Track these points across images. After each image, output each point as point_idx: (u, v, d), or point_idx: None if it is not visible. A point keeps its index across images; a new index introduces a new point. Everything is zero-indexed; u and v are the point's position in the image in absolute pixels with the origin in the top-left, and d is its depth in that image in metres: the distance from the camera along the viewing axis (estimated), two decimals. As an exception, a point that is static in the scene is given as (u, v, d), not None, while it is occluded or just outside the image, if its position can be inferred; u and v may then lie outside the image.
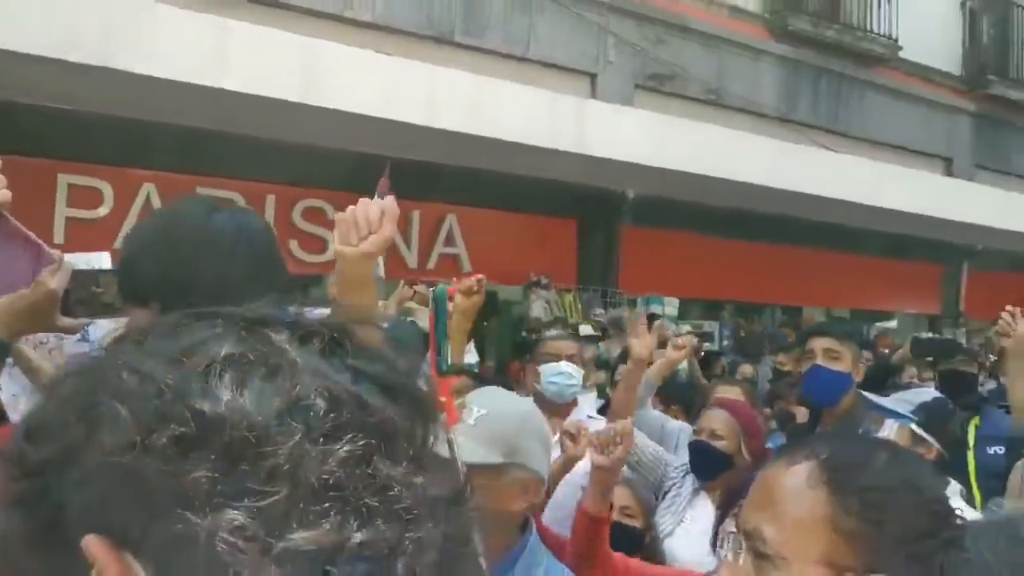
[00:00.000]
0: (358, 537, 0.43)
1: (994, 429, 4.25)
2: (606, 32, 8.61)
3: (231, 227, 1.45)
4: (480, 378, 3.77)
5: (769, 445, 3.30)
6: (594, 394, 4.99)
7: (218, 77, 5.30)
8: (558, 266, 8.17)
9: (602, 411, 3.83)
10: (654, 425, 3.61)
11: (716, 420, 3.03)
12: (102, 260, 1.90)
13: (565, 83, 8.09)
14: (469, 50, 7.74)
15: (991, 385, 5.88)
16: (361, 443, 0.45)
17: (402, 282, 6.49)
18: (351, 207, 1.53)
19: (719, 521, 2.83)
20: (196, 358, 0.47)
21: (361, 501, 0.44)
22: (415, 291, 6.13)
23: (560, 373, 3.37)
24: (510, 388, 5.04)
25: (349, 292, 1.53)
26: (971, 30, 12.17)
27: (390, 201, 1.54)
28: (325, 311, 1.61)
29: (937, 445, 2.63)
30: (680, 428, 3.73)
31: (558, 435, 3.28)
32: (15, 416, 2.00)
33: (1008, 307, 3.19)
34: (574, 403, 3.53)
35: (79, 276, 1.67)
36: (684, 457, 3.16)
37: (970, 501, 3.34)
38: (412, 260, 7.47)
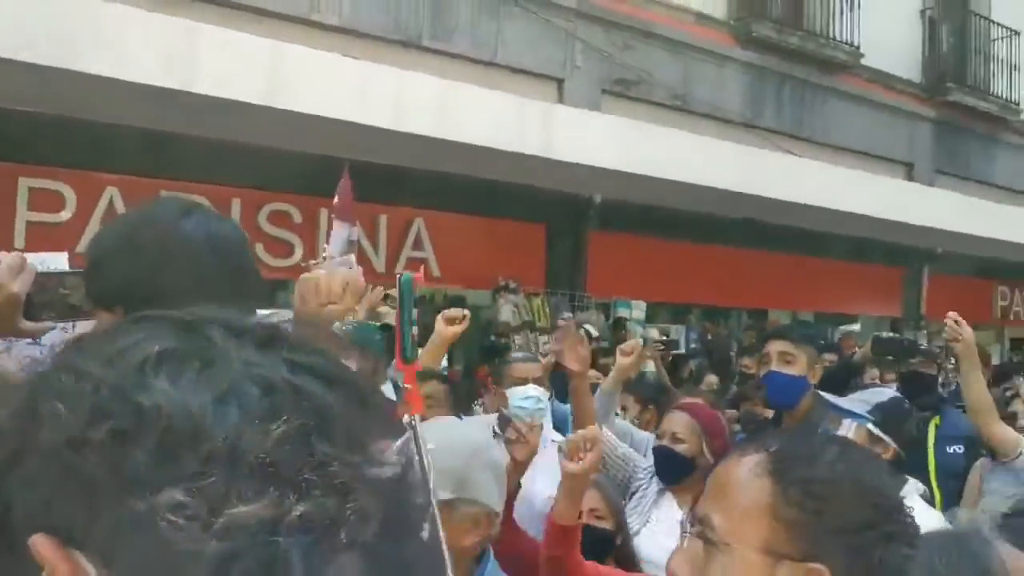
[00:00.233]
0: (298, 509, 0.44)
1: (953, 429, 4.34)
2: (573, 38, 8.66)
3: (201, 233, 1.43)
4: (448, 382, 3.78)
5: (735, 446, 3.32)
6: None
7: (183, 79, 5.25)
8: (526, 270, 8.19)
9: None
10: (623, 436, 3.64)
11: (677, 423, 3.06)
12: (59, 261, 1.87)
13: (532, 88, 8.12)
14: (436, 54, 7.74)
15: (952, 386, 6.00)
16: (297, 424, 0.46)
17: (371, 286, 6.50)
18: (317, 272, 1.55)
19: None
20: (132, 355, 0.48)
21: (300, 477, 0.45)
22: (387, 294, 6.13)
23: (528, 397, 3.37)
24: (477, 392, 5.05)
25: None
26: (931, 38, 12.40)
27: (355, 274, 1.54)
28: (288, 314, 1.61)
29: (894, 444, 2.68)
30: (648, 439, 3.75)
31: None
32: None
33: (951, 314, 3.26)
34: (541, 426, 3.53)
35: (42, 279, 1.65)
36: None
37: (930, 500, 3.41)
38: (380, 264, 7.45)
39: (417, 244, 7.74)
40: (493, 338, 7.50)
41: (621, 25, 9.03)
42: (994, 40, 13.05)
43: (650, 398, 4.85)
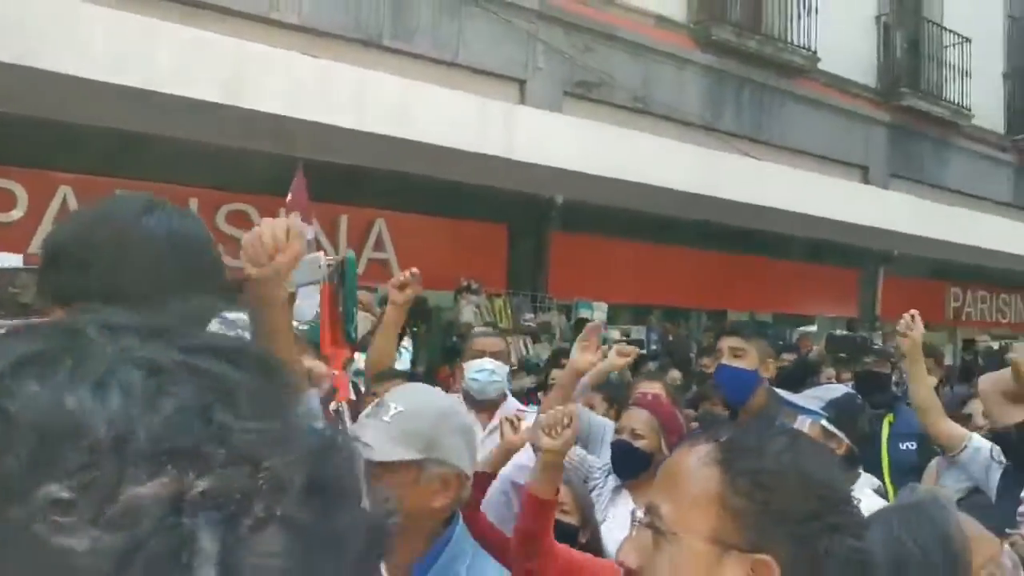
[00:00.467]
0: (200, 485, 0.40)
1: (906, 426, 4.42)
2: (535, 39, 8.69)
3: (162, 231, 1.40)
4: (412, 380, 3.77)
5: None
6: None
7: (141, 77, 5.18)
8: (488, 271, 8.19)
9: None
10: (581, 419, 3.65)
11: (636, 419, 3.09)
12: (14, 260, 1.84)
13: (494, 89, 8.13)
14: (397, 54, 7.72)
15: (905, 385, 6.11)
16: (191, 398, 0.43)
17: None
18: (255, 228, 1.55)
19: None
20: None
21: (199, 451, 0.41)
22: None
23: (482, 370, 3.39)
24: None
25: (261, 312, 1.53)
26: (885, 44, 12.62)
27: (295, 219, 1.55)
28: (242, 315, 1.59)
29: (847, 440, 2.73)
30: (604, 423, 3.79)
31: (487, 431, 3.30)
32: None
33: (912, 311, 3.34)
34: (503, 399, 3.55)
35: None
36: (607, 456, 3.22)
37: (884, 496, 3.47)
38: (340, 265, 7.40)
39: (378, 245, 7.71)
40: (455, 339, 7.48)
41: (582, 27, 9.07)
42: (946, 47, 13.32)
43: (615, 397, 4.91)
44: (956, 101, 13.37)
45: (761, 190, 8.54)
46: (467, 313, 7.66)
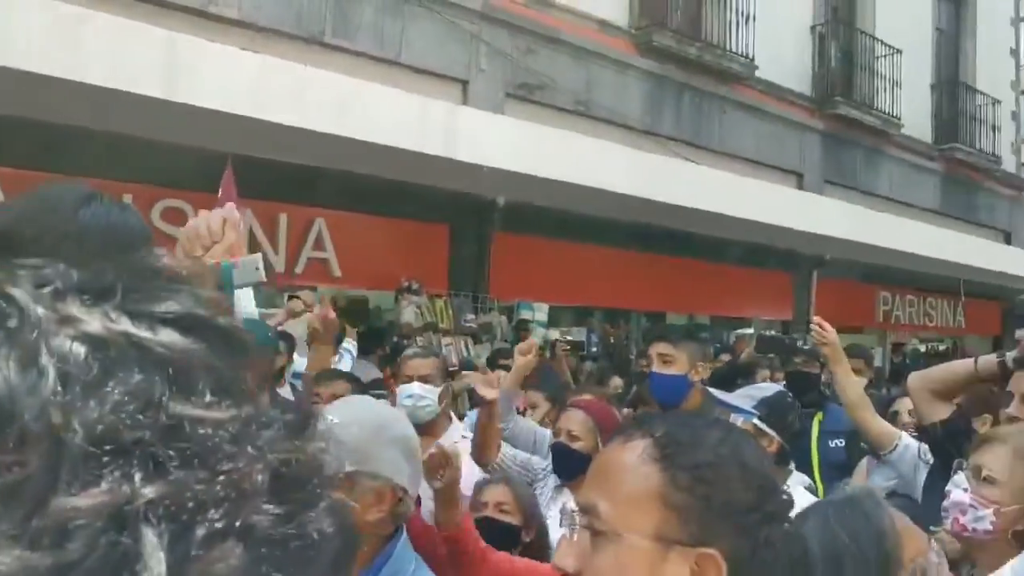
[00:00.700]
0: (147, 492, 0.34)
1: (835, 424, 4.54)
2: (478, 40, 8.69)
3: (100, 224, 1.38)
4: (354, 382, 3.74)
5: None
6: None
7: (74, 69, 5.03)
8: (429, 271, 8.17)
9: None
10: (527, 433, 3.68)
11: (573, 421, 3.12)
12: None
13: (437, 89, 8.11)
14: (339, 52, 7.66)
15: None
16: (140, 381, 0.36)
17: (287, 295, 6.38)
18: (191, 220, 1.54)
19: None
20: None
21: (147, 449, 0.35)
22: (299, 299, 6.06)
23: (410, 395, 3.37)
24: (381, 394, 5.01)
25: None
26: (820, 53, 12.93)
27: (230, 209, 1.54)
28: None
29: (778, 438, 2.80)
30: (546, 433, 3.80)
31: (425, 455, 3.29)
32: None
33: (815, 318, 3.42)
34: (448, 422, 3.53)
35: None
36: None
37: (814, 493, 3.56)
38: (280, 264, 7.31)
39: (318, 244, 7.63)
40: (396, 339, 7.45)
41: (525, 30, 9.11)
42: (878, 57, 13.71)
43: (557, 397, 4.95)
44: (887, 111, 13.76)
45: (699, 194, 8.67)
46: (408, 314, 7.63)
